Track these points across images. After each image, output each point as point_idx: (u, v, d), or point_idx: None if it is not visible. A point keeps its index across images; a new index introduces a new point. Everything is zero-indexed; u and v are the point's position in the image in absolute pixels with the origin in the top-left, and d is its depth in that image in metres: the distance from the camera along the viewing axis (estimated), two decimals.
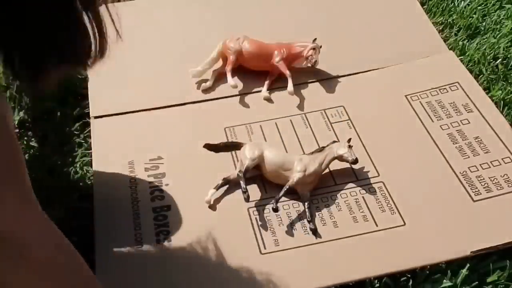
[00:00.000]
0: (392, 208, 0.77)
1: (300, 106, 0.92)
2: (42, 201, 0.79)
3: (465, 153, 0.84)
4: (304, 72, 0.97)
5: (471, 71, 0.97)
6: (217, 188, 0.79)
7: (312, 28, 1.03)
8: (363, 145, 0.86)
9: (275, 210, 0.75)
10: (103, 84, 0.95)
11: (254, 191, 0.80)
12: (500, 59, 1.01)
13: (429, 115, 0.89)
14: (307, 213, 0.76)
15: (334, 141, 0.82)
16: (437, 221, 0.76)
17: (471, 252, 0.72)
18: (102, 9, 0.50)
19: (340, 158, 0.80)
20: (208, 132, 0.88)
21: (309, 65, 0.94)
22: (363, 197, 0.79)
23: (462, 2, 1.13)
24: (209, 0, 1.12)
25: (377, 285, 0.69)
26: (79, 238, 0.74)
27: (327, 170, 0.81)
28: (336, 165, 0.82)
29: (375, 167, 0.83)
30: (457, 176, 0.81)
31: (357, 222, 0.76)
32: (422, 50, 1.00)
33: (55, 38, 0.47)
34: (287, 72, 0.93)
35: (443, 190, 0.79)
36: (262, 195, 0.80)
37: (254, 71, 0.97)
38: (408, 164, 0.83)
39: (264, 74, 0.96)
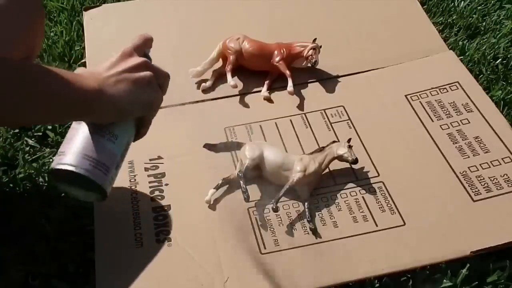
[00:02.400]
0: (392, 208, 0.77)
1: (300, 106, 0.92)
2: (42, 201, 0.79)
3: (465, 153, 0.84)
4: (304, 72, 0.97)
5: (471, 71, 0.97)
6: (217, 188, 0.79)
7: (312, 28, 1.03)
8: (363, 145, 0.86)
9: (275, 210, 0.75)
10: None
11: (254, 191, 0.80)
12: (500, 59, 1.01)
13: (429, 115, 0.89)
14: (307, 213, 0.76)
15: (334, 141, 0.82)
16: (437, 221, 0.76)
17: (471, 252, 0.72)
18: None
19: (340, 158, 0.80)
20: (208, 132, 0.88)
21: (309, 65, 0.94)
22: (363, 197, 0.79)
23: (462, 2, 1.14)
24: (209, 0, 1.12)
25: (377, 285, 0.69)
26: (79, 238, 0.74)
27: (327, 170, 0.81)
28: (336, 165, 0.82)
29: (375, 167, 0.83)
30: (457, 176, 0.81)
31: (357, 222, 0.76)
32: (422, 50, 1.00)
33: None
34: (287, 72, 0.93)
35: (443, 190, 0.79)
36: (262, 195, 0.79)
37: (254, 71, 0.97)
38: (408, 164, 0.83)
39: (264, 74, 0.96)
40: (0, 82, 0.46)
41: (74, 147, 0.54)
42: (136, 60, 0.58)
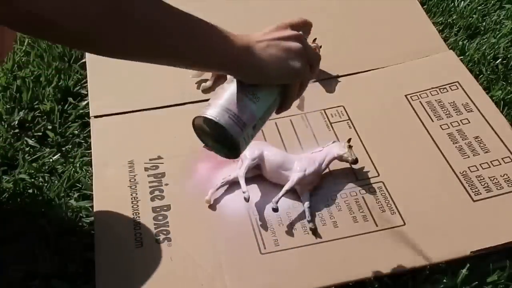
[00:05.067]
0: (392, 208, 0.77)
1: (300, 106, 0.92)
2: (42, 201, 0.79)
3: (465, 153, 0.84)
4: None
5: (471, 71, 0.97)
6: (217, 188, 0.79)
7: (312, 28, 1.03)
8: (363, 145, 0.86)
9: (275, 210, 0.75)
10: (103, 84, 0.95)
11: (254, 191, 0.80)
12: (500, 59, 1.01)
13: (429, 115, 0.90)
14: (307, 213, 0.76)
15: (334, 141, 0.82)
16: (437, 221, 0.76)
17: (471, 252, 0.72)
18: None
19: (340, 158, 0.80)
20: None
21: None
22: (363, 197, 0.79)
23: (462, 2, 1.14)
24: (209, 0, 1.12)
25: (377, 285, 0.69)
26: (79, 238, 0.74)
27: (327, 170, 0.81)
28: (336, 165, 0.82)
29: (375, 167, 0.83)
30: (457, 176, 0.81)
31: (357, 222, 0.76)
32: (422, 50, 1.00)
33: None
34: None
35: (443, 190, 0.79)
36: (262, 195, 0.79)
37: None
38: (408, 164, 0.83)
39: None
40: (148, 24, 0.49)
41: (218, 101, 0.58)
42: (290, 32, 0.59)
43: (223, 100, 0.58)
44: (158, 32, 0.51)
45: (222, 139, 0.58)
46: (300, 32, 0.60)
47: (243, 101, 0.57)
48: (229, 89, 0.58)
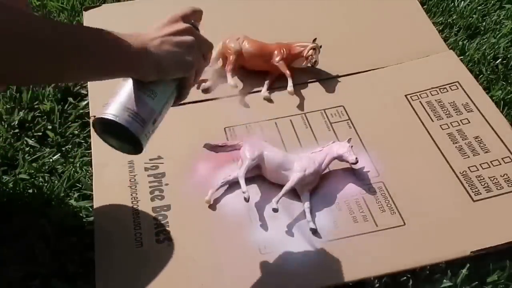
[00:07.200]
0: (392, 208, 0.77)
1: (300, 106, 0.92)
2: (42, 201, 0.79)
3: (465, 153, 0.84)
4: (304, 72, 0.97)
5: (471, 71, 0.97)
6: (217, 188, 0.79)
7: (312, 28, 1.03)
8: (363, 145, 0.86)
9: (275, 210, 0.75)
10: (103, 84, 0.95)
11: (254, 191, 0.80)
12: (500, 59, 1.01)
13: (429, 115, 0.90)
14: (307, 213, 0.76)
15: (334, 141, 0.82)
16: (437, 221, 0.76)
17: (471, 252, 0.72)
18: None
19: (340, 158, 0.80)
20: (208, 132, 0.88)
21: (309, 65, 0.94)
22: (363, 197, 0.79)
23: (462, 2, 1.14)
24: (209, 0, 1.12)
25: (377, 285, 0.69)
26: (79, 238, 0.74)
27: (327, 170, 0.81)
28: (336, 165, 0.82)
29: (375, 167, 0.83)
30: (457, 176, 0.81)
31: (357, 222, 0.76)
32: (422, 50, 1.00)
33: None
34: (287, 72, 0.93)
35: (443, 190, 0.79)
36: (262, 195, 0.79)
37: (254, 71, 0.97)
38: (408, 164, 0.83)
39: (264, 74, 0.96)
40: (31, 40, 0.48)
41: (117, 99, 0.59)
42: (181, 25, 0.62)
43: (121, 98, 0.59)
44: (46, 47, 0.50)
45: (123, 137, 0.59)
46: (190, 25, 0.62)
47: (141, 98, 0.59)
48: (126, 86, 0.59)
